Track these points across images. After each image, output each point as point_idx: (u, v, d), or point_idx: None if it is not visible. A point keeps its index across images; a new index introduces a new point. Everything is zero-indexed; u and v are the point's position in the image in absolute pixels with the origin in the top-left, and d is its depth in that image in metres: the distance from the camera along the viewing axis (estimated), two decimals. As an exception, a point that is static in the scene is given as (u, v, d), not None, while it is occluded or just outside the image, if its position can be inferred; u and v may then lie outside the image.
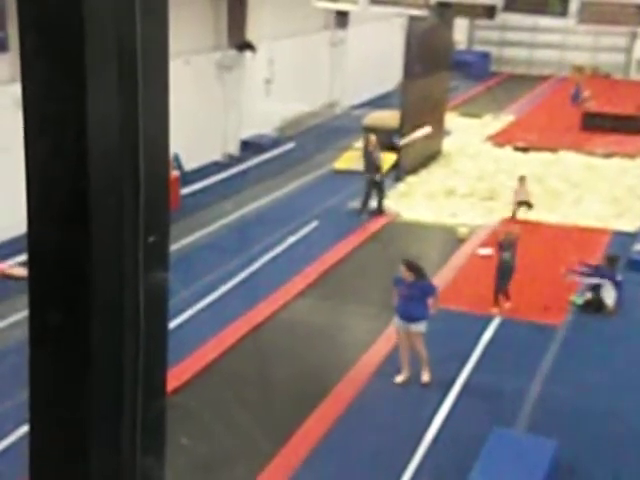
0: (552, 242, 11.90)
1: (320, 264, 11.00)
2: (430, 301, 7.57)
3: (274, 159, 17.00)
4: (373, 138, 13.29)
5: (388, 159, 14.16)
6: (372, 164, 13.11)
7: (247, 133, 17.22)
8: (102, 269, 0.96)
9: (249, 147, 17.09)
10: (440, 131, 16.90)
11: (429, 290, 7.65)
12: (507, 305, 9.30)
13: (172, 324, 8.45)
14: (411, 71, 14.88)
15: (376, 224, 12.87)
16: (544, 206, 13.46)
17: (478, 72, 26.14)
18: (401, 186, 14.60)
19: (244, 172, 15.93)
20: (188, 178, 14.43)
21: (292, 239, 11.93)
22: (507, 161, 16.37)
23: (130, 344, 1.02)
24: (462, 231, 12.16)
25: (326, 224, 12.76)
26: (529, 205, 12.49)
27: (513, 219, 12.23)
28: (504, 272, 9.20)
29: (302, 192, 14.68)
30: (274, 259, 11.13)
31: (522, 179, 12.86)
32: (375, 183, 13.05)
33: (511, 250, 9.20)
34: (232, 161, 16.43)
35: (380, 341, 8.64)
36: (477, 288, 10.07)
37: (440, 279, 10.39)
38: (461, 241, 11.95)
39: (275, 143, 17.68)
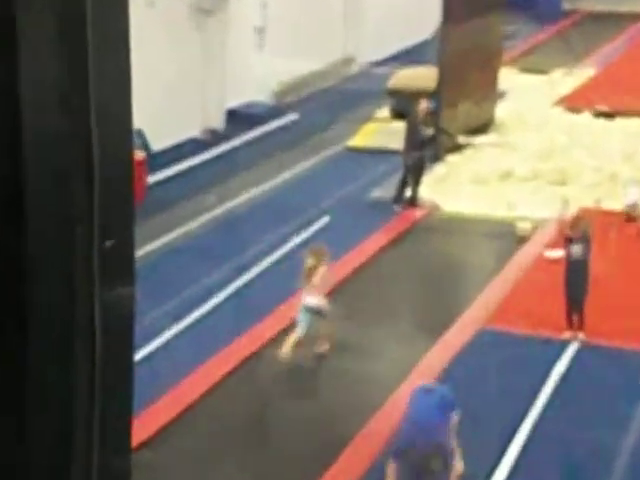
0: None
1: (334, 273, 10.99)
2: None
3: (271, 135, 17.03)
4: (425, 105, 13.25)
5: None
6: (418, 141, 13.09)
7: (235, 100, 17.30)
8: (43, 282, 0.97)
9: (238, 119, 17.16)
10: (492, 93, 16.82)
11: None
12: (580, 335, 9.21)
13: (138, 355, 8.49)
14: (452, 13, 14.85)
15: (408, 219, 12.88)
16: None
17: (545, 11, 26.06)
18: (440, 168, 14.56)
19: (231, 153, 15.97)
20: (157, 161, 14.51)
21: (296, 240, 11.99)
22: (585, 131, 16.33)
23: (82, 380, 1.03)
24: (523, 227, 12.14)
25: (341, 220, 12.78)
26: None
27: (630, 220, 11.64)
28: (576, 277, 9.08)
29: (308, 178, 14.70)
30: (273, 267, 11.18)
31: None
32: (416, 165, 13.05)
33: (584, 244, 9.06)
34: (215, 138, 16.48)
35: (416, 373, 8.66)
36: (545, 303, 9.99)
37: (494, 292, 10.37)
38: (522, 240, 11.95)
39: (272, 113, 17.74)
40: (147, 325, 8.97)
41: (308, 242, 12.01)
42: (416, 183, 13.16)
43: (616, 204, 12.83)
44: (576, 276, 9.06)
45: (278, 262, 11.33)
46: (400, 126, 14.15)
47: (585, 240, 9.02)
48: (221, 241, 12.02)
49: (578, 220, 9.31)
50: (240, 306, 10.02)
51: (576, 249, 9.03)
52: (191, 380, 8.52)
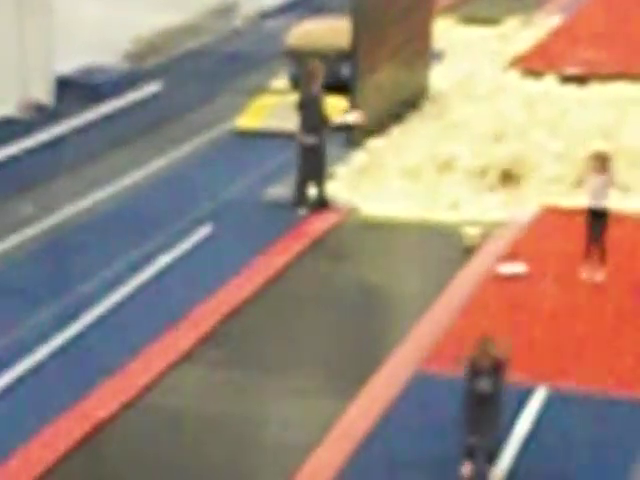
0: (637, 248, 12.28)
1: (217, 303, 11.07)
2: None
3: (124, 112, 16.95)
4: (318, 66, 13.45)
5: (333, 108, 14.40)
6: (314, 117, 13.29)
7: (69, 64, 17.17)
8: None
9: (74, 90, 17.06)
10: (425, 53, 17.21)
11: None
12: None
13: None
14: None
15: (316, 226, 13.07)
16: (618, 183, 13.89)
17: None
18: (358, 157, 14.82)
19: (64, 138, 15.78)
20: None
21: (164, 260, 12.01)
22: (549, 103, 16.85)
23: None
24: (470, 233, 12.50)
25: (227, 229, 12.87)
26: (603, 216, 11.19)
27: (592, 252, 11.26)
28: (480, 412, 8.09)
29: (180, 173, 14.73)
30: (127, 299, 11.15)
31: (600, 158, 11.34)
32: (314, 151, 13.30)
33: (493, 376, 8.06)
34: (40, 117, 16.33)
35: (333, 438, 8.81)
36: (501, 334, 10.29)
37: (434, 322, 10.64)
38: (469, 251, 12.30)
39: (124, 82, 17.72)
40: None
41: (184, 259, 12.04)
42: (320, 177, 13.36)
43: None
44: (481, 411, 8.18)
45: (135, 292, 11.32)
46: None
47: (494, 372, 8.13)
48: (43, 272, 11.81)
49: (484, 345, 8.15)
50: (64, 375, 9.83)
51: (483, 384, 8.13)
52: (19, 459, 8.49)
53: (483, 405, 8.12)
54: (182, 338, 10.39)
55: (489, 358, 8.08)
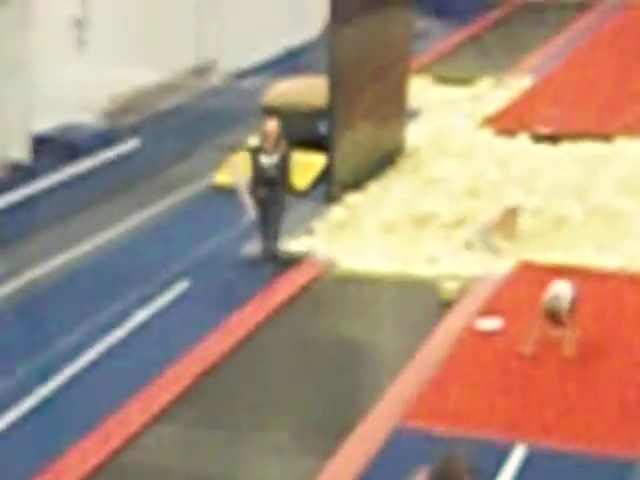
0: (610, 306, 12.26)
1: (192, 361, 10.97)
2: None
3: (101, 169, 16.91)
4: (274, 125, 13.16)
5: (311, 164, 14.40)
6: (261, 173, 12.97)
7: (46, 122, 17.09)
8: None
9: (51, 148, 16.99)
10: (400, 110, 17.30)
11: None
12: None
13: None
14: (344, 6, 15.27)
15: (293, 281, 13.01)
16: (592, 240, 13.96)
17: (466, 5, 27.08)
18: (336, 211, 14.86)
19: (41, 196, 15.71)
20: None
21: (140, 316, 11.93)
22: (522, 161, 16.97)
23: None
24: (448, 288, 12.48)
25: (204, 285, 12.79)
26: None
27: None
28: None
29: (157, 229, 14.68)
30: (102, 357, 11.04)
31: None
32: (264, 206, 13.00)
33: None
34: (17, 175, 16.22)
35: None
36: (480, 391, 10.22)
37: (411, 378, 10.54)
38: (447, 305, 12.26)
39: (102, 140, 17.68)
40: None
41: (160, 316, 11.93)
42: (275, 229, 13.01)
43: (565, 256, 13.36)
44: None
45: (110, 349, 11.20)
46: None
47: None
48: (15, 332, 11.61)
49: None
50: (37, 436, 9.65)
51: None
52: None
53: None
54: (157, 397, 10.25)
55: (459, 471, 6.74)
